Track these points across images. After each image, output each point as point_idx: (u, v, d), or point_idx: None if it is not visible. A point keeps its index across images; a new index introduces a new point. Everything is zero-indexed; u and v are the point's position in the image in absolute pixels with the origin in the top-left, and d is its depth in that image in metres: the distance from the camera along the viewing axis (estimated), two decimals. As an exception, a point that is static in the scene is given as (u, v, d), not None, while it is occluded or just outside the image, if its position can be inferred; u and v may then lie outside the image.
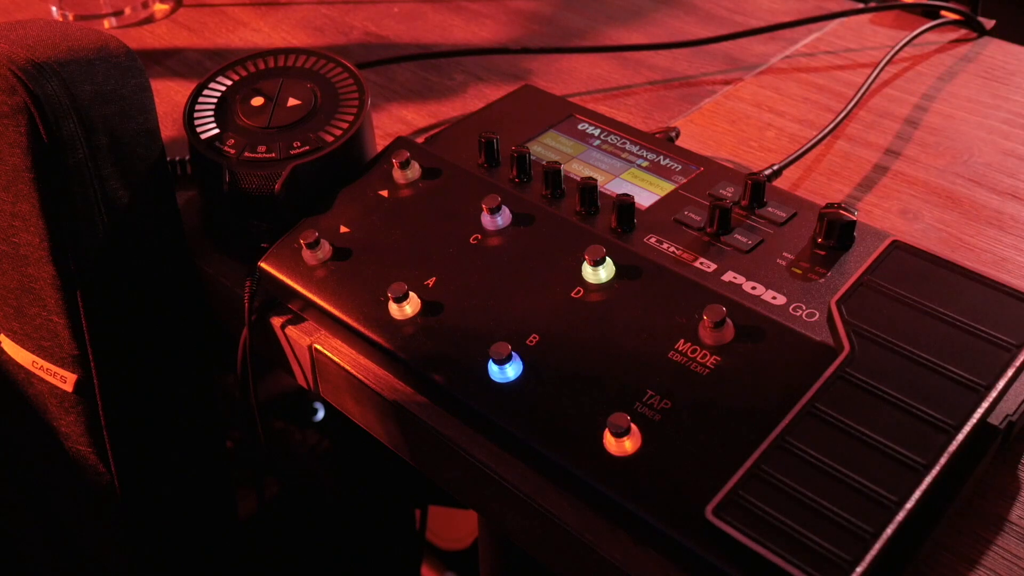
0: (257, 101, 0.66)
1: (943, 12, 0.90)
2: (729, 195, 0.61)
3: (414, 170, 0.64)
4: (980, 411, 0.46)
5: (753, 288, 0.55)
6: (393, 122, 0.80)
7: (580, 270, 0.56)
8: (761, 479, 0.45)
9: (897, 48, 0.82)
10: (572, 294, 0.55)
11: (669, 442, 0.48)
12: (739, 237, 0.58)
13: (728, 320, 0.52)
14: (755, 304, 0.53)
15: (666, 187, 0.63)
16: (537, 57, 0.88)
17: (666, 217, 0.60)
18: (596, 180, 0.60)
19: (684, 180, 0.63)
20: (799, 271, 0.55)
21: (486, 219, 0.60)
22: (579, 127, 0.69)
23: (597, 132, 0.68)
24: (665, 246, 0.58)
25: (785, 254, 0.57)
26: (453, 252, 0.59)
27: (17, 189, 0.60)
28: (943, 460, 0.44)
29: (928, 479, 0.44)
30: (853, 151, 0.75)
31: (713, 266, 0.56)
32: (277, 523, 1.04)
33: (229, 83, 0.67)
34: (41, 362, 0.67)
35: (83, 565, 0.83)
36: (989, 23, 0.89)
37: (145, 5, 0.97)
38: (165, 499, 0.77)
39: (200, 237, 0.69)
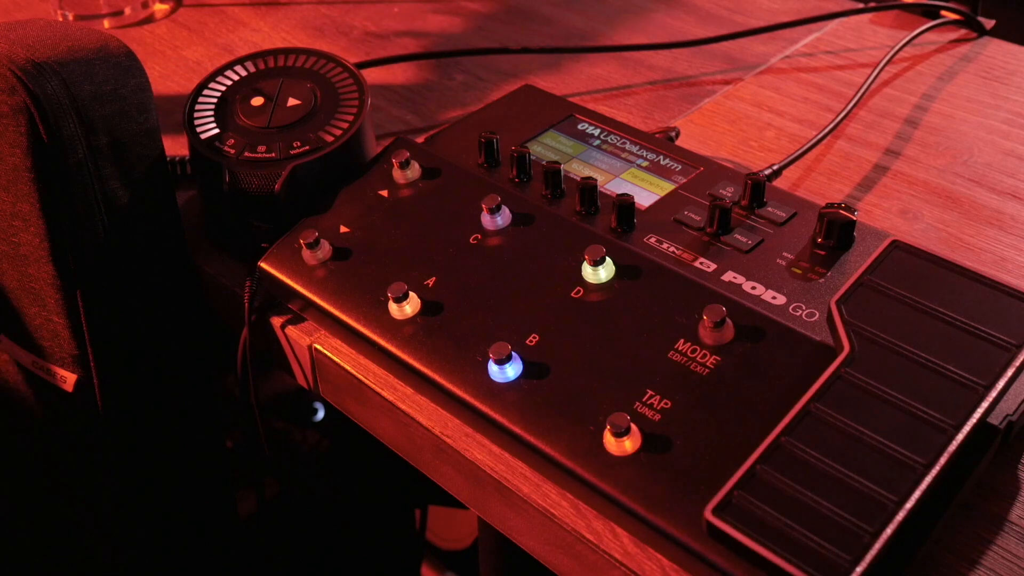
0: (257, 101, 0.66)
1: (943, 12, 0.90)
2: (729, 195, 0.61)
3: (414, 170, 0.64)
4: (980, 411, 0.46)
5: (753, 288, 0.55)
6: (393, 122, 0.80)
7: (580, 270, 0.56)
8: (761, 479, 0.45)
9: (897, 48, 0.82)
10: (572, 294, 0.55)
11: (669, 442, 0.48)
12: (739, 237, 0.58)
13: (728, 320, 0.52)
14: (755, 304, 0.53)
15: (666, 187, 0.63)
16: (537, 57, 0.88)
17: (666, 217, 0.60)
18: (596, 180, 0.60)
19: (684, 180, 0.63)
20: (799, 271, 0.55)
21: (486, 219, 0.60)
22: (579, 127, 0.69)
23: (597, 132, 0.68)
24: (665, 246, 0.58)
25: (785, 254, 0.57)
26: (453, 252, 0.59)
27: (17, 189, 0.60)
28: (943, 460, 0.44)
29: (928, 479, 0.44)
30: (853, 151, 0.75)
31: (713, 266, 0.56)
32: (277, 523, 1.04)
33: (229, 83, 0.67)
34: (41, 362, 0.67)
35: (83, 565, 0.83)
36: (989, 23, 0.89)
37: (145, 5, 0.97)
38: (165, 499, 0.77)
39: (200, 237, 0.69)
